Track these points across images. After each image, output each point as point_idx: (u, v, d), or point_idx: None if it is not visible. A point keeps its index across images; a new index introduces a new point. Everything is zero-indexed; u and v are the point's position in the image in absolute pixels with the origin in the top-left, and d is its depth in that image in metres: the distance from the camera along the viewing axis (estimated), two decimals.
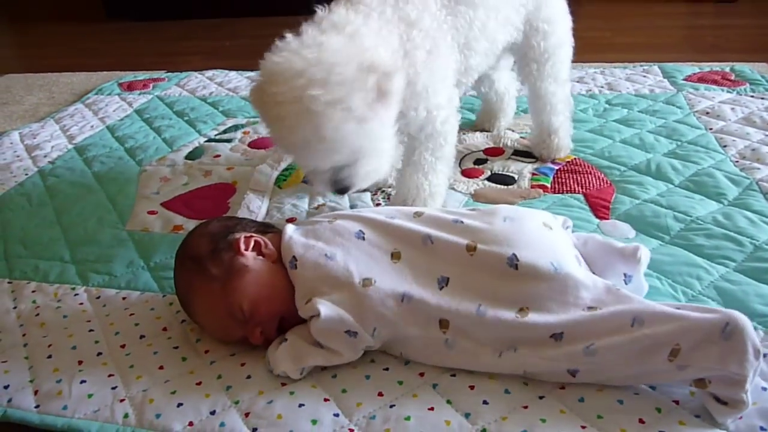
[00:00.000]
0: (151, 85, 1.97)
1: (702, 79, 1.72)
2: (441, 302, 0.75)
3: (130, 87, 1.97)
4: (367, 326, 0.75)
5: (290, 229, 0.85)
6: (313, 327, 0.76)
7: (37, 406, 0.75)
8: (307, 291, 0.78)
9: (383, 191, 1.20)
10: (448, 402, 0.72)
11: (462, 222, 0.81)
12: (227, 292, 0.78)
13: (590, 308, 0.72)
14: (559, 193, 1.16)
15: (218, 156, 1.39)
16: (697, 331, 0.65)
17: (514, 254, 0.75)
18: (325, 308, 0.75)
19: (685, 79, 1.73)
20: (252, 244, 0.82)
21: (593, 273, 0.80)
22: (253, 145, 1.45)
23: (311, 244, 0.81)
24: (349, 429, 0.69)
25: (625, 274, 0.82)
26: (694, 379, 0.67)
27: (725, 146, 1.29)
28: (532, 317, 0.72)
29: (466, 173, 1.26)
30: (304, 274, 0.79)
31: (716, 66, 1.83)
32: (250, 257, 0.81)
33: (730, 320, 0.65)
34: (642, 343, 0.67)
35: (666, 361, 0.66)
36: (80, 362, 0.81)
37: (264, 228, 0.89)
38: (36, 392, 0.77)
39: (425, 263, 0.78)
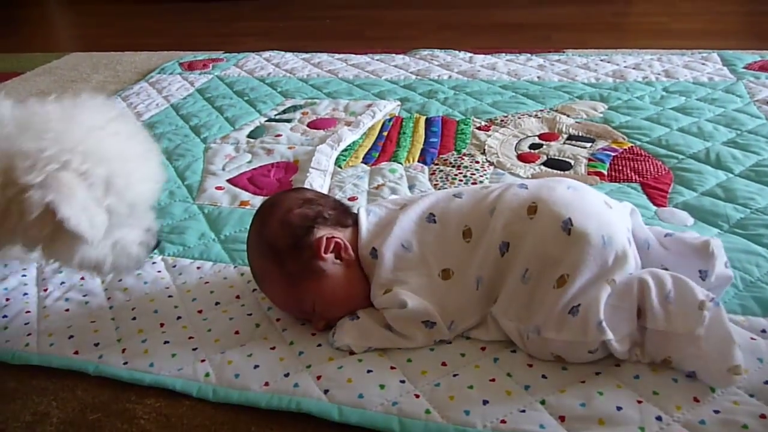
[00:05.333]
0: (210, 65, 2.03)
1: (763, 67, 1.69)
2: (502, 273, 0.78)
3: (190, 66, 2.04)
4: (446, 318, 0.78)
5: (364, 219, 0.86)
6: (391, 314, 0.79)
7: (125, 363, 0.81)
8: (385, 281, 0.80)
9: (441, 170, 1.23)
10: (509, 375, 0.75)
11: (527, 187, 0.83)
12: (300, 290, 0.81)
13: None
14: (615, 181, 1.16)
15: (279, 135, 1.44)
16: None
17: (569, 218, 0.75)
18: (412, 301, 0.77)
19: (745, 68, 1.70)
20: (332, 245, 0.83)
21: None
22: (312, 125, 1.49)
23: (387, 234, 0.83)
24: (415, 394, 0.73)
25: (700, 271, 0.81)
26: None
27: None
28: (567, 287, 0.73)
29: (522, 158, 1.28)
30: (384, 266, 0.81)
31: None
32: (329, 261, 0.82)
33: None
34: None
35: None
36: (162, 324, 0.87)
37: (343, 214, 0.88)
38: (123, 350, 0.83)
39: (490, 234, 0.80)
